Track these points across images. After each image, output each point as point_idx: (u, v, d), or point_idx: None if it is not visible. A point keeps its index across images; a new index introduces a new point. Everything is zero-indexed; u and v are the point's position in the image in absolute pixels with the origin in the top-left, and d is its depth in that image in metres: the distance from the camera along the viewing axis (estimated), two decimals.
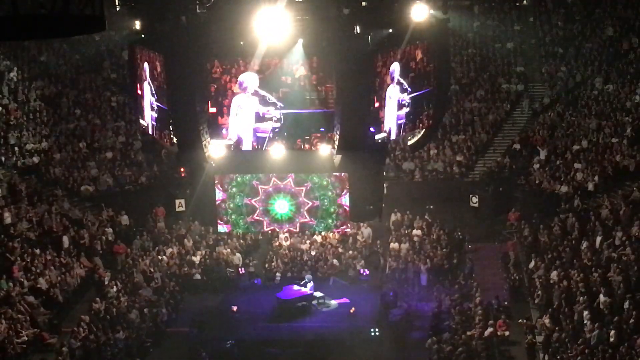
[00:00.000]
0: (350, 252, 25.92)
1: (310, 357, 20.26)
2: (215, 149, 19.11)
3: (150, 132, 21.29)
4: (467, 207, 28.46)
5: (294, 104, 18.85)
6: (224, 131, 19.13)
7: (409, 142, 23.13)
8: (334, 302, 22.96)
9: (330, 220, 22.19)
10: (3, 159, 27.97)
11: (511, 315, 21.20)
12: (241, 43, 18.31)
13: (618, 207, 23.93)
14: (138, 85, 21.02)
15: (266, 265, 25.91)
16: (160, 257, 25.27)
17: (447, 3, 20.88)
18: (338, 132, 18.28)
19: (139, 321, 21.61)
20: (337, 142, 18.42)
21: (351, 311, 22.10)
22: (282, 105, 18.79)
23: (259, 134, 19.10)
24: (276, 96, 18.77)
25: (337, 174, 21.33)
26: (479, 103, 32.89)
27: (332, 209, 21.93)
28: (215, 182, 21.96)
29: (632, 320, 17.75)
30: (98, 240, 25.66)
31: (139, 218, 27.86)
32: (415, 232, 26.28)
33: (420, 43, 19.51)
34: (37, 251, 23.48)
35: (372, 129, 18.73)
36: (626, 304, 18.48)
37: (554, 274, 21.43)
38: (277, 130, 19.01)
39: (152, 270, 24.36)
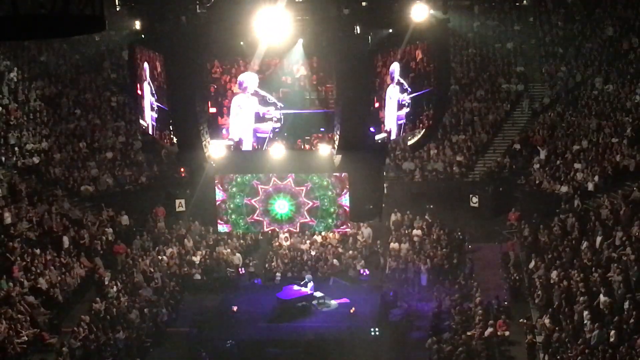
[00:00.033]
0: (350, 252, 25.91)
1: (310, 357, 20.24)
2: (215, 149, 19.11)
3: (150, 132, 21.30)
4: (467, 207, 28.48)
5: (294, 104, 18.84)
6: (224, 131, 19.12)
7: (409, 142, 23.11)
8: (334, 302, 22.93)
9: (330, 220, 22.17)
10: (3, 159, 27.96)
11: (511, 315, 21.20)
12: (241, 43, 18.32)
13: (618, 207, 23.89)
14: (138, 85, 21.02)
15: (266, 265, 25.89)
16: (160, 257, 25.25)
17: (447, 3, 20.89)
18: (338, 132, 18.27)
19: (139, 321, 21.62)
20: (337, 142, 18.41)
21: (351, 311, 22.08)
22: (282, 105, 18.78)
23: (259, 134, 19.10)
24: (276, 96, 18.76)
25: (337, 174, 21.31)
26: (479, 103, 32.86)
27: (332, 209, 21.91)
28: (216, 182, 21.93)
29: (632, 320, 17.74)
30: (98, 240, 25.66)
31: (139, 218, 27.86)
32: (415, 232, 26.26)
33: (420, 43, 19.51)
34: (37, 251, 23.49)
35: (372, 129, 18.70)
36: (626, 304, 18.48)
37: (554, 274, 21.43)
38: (277, 130, 19.00)
39: (152, 270, 24.35)
